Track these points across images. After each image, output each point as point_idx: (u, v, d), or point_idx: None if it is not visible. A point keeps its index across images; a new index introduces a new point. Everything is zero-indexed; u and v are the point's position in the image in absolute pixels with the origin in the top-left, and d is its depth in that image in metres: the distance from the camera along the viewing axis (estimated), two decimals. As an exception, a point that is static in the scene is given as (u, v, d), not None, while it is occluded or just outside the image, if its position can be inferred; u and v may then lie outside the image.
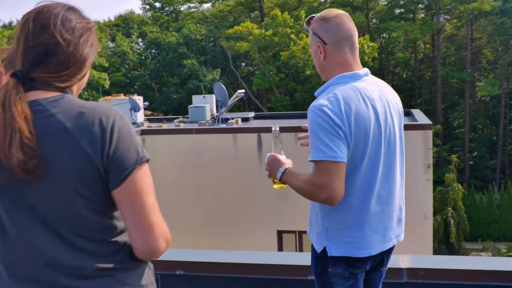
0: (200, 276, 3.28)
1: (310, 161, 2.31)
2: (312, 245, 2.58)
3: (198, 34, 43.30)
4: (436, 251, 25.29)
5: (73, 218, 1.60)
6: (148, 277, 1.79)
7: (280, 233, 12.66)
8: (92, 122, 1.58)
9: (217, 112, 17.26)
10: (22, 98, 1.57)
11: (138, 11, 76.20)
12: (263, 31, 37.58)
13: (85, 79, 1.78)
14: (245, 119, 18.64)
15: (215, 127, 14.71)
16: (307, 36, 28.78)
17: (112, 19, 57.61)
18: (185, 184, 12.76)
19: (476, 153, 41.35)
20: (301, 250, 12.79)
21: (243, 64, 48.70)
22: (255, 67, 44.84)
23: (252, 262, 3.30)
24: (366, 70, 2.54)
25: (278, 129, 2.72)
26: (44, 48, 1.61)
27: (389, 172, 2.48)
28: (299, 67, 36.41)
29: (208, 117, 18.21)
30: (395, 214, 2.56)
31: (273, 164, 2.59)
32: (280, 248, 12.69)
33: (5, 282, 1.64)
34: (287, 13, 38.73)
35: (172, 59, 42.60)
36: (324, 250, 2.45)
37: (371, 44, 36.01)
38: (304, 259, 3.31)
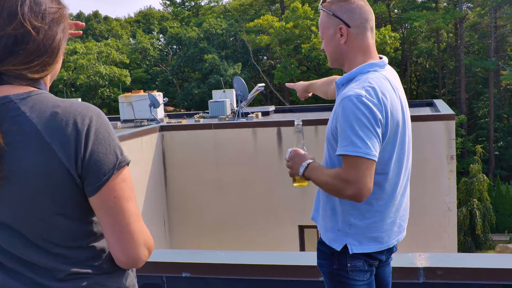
0: (207, 278, 3.17)
1: (339, 154, 2.21)
2: (320, 242, 2.50)
3: (219, 28, 43.22)
4: (462, 244, 24.98)
5: (43, 224, 1.49)
6: (130, 279, 1.69)
7: (301, 228, 12.52)
8: (66, 124, 1.45)
9: (237, 106, 17.17)
10: None
11: (158, 7, 76.16)
12: (284, 23, 37.40)
13: (58, 67, 1.64)
14: (265, 113, 18.53)
15: (234, 121, 14.61)
16: None
17: (133, 15, 57.90)
18: (204, 180, 12.70)
19: (501, 143, 40.69)
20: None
21: (264, 57, 48.51)
22: (276, 61, 44.66)
23: (260, 263, 3.17)
24: (386, 58, 2.45)
25: (301, 123, 2.58)
26: (14, 39, 1.48)
27: (408, 161, 2.45)
28: (321, 59, 36.22)
29: (228, 111, 18.15)
30: (407, 203, 2.53)
31: (295, 159, 2.46)
32: (302, 243, 12.57)
33: None
34: (307, 5, 38.50)
35: (193, 54, 42.59)
36: (344, 247, 2.37)
37: (393, 34, 35.65)
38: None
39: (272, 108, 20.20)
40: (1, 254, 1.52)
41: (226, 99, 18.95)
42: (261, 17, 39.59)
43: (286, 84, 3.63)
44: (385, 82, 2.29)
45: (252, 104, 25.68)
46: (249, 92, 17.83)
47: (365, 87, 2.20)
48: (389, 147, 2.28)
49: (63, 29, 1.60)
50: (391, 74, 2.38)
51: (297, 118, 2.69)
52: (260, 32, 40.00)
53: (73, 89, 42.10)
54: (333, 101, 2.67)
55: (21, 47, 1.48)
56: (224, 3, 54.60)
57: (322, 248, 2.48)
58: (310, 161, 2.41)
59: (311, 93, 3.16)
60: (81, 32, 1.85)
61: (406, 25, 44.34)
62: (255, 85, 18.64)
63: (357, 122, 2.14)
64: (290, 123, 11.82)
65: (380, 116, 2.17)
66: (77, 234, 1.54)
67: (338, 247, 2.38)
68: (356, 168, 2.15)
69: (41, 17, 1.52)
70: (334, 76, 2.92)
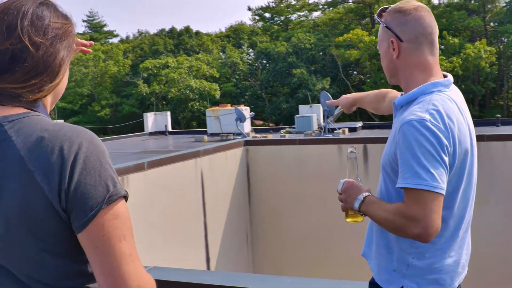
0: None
1: (401, 187, 1.93)
2: (373, 283, 2.24)
3: (308, 43, 43.25)
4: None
5: (30, 261, 1.32)
6: None
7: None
8: (52, 150, 1.27)
9: (323, 122, 17.04)
10: None
11: (248, 22, 77.20)
12: (374, 38, 36.96)
13: (62, 87, 1.49)
14: (352, 129, 18.30)
15: (320, 137, 14.49)
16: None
17: (223, 30, 58.95)
18: (287, 195, 12.65)
19: None
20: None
21: (354, 72, 48.09)
22: (366, 75, 44.14)
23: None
24: (451, 76, 2.18)
25: (355, 150, 2.36)
26: (11, 54, 1.34)
27: (474, 194, 2.16)
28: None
29: (315, 127, 18.06)
30: (470, 240, 2.23)
31: (349, 192, 2.20)
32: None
33: None
34: (398, 19, 37.85)
35: (281, 69, 42.79)
36: None
37: (488, 48, 34.48)
38: None
39: (359, 124, 19.92)
40: None
41: (313, 114, 18.87)
42: (351, 32, 39.34)
43: (327, 102, 3.36)
44: (452, 104, 2.02)
45: (341, 119, 25.44)
46: (336, 108, 17.67)
47: (429, 110, 1.94)
48: (455, 178, 2.00)
49: (67, 47, 1.45)
50: (456, 95, 2.11)
51: (351, 145, 2.42)
52: (349, 46, 39.75)
53: (164, 102, 43.24)
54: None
55: (18, 63, 1.35)
56: (313, 17, 54.67)
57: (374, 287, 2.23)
58: (367, 194, 2.15)
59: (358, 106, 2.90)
60: (90, 51, 1.75)
61: (503, 38, 42.76)
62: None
63: (421, 150, 1.88)
64: (378, 140, 11.58)
65: (446, 142, 1.91)
66: (68, 274, 1.36)
67: None
68: (422, 204, 1.87)
69: (42, 33, 1.39)
70: (384, 90, 2.70)
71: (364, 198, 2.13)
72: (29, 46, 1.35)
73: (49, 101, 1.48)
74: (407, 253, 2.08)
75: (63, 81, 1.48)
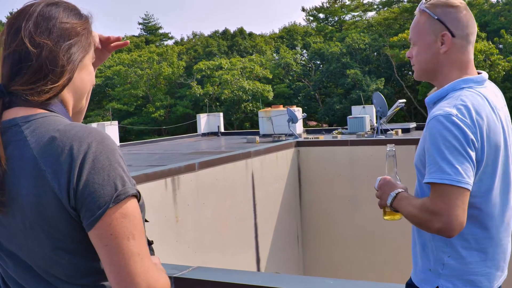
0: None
1: (426, 182, 1.93)
2: (409, 284, 2.21)
3: (362, 43, 42.84)
4: None
5: (46, 257, 1.37)
6: None
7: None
8: (61, 150, 1.31)
9: (376, 122, 16.87)
10: None
11: (302, 22, 77.07)
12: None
13: (82, 86, 1.52)
14: (405, 130, 18.05)
15: (372, 138, 14.34)
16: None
17: (277, 31, 59.02)
18: (338, 196, 12.57)
19: None
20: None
21: (409, 73, 47.37)
22: (421, 76, 43.41)
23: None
24: (486, 74, 2.15)
25: (394, 148, 2.33)
26: (18, 56, 1.38)
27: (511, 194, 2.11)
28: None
29: (368, 128, 17.89)
30: (510, 242, 2.16)
31: (384, 188, 2.21)
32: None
33: None
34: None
35: (335, 70, 42.52)
36: None
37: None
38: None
39: (413, 125, 19.64)
40: (13, 285, 1.46)
41: (365, 115, 18.70)
42: (406, 31, 38.73)
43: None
44: (482, 100, 2.00)
45: (394, 120, 25.13)
46: (389, 108, 17.47)
47: (456, 105, 1.94)
48: (487, 176, 1.98)
49: (77, 46, 1.46)
50: (490, 92, 2.09)
51: (390, 143, 2.44)
52: (404, 46, 39.17)
53: (218, 103, 43.59)
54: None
55: (25, 65, 1.38)
56: (368, 17, 54.14)
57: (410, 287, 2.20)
58: (400, 190, 2.15)
59: None
60: (127, 42, 1.76)
61: None
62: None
63: (446, 145, 1.88)
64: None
65: (473, 137, 1.90)
66: (82, 271, 1.40)
67: None
68: (445, 198, 1.87)
69: (47, 33, 1.40)
70: None
71: (397, 194, 2.14)
72: (30, 47, 1.37)
73: (70, 100, 1.50)
74: (442, 251, 2.05)
75: (83, 80, 1.51)
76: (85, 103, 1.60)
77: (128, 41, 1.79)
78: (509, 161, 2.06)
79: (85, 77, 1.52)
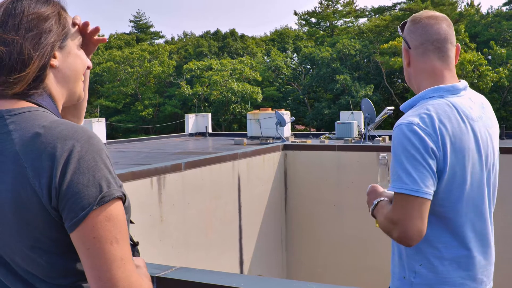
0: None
1: (389, 191, 1.98)
2: None
3: (352, 49, 42.98)
4: None
5: (24, 255, 1.32)
6: None
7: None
8: (44, 148, 1.25)
9: (364, 129, 16.92)
10: None
11: (294, 26, 77.22)
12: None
13: (70, 68, 1.46)
14: (393, 137, 18.11)
15: (359, 144, 14.38)
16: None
17: (268, 34, 59.07)
18: (324, 201, 12.59)
19: None
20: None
21: (398, 80, 47.61)
22: (410, 83, 43.62)
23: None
24: (464, 83, 2.13)
25: (386, 157, 2.33)
26: None
27: (491, 206, 2.11)
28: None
29: (355, 133, 17.94)
30: (492, 255, 2.15)
31: (370, 196, 2.21)
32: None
33: None
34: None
35: (325, 74, 42.62)
36: None
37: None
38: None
39: (400, 132, 19.70)
40: None
41: (353, 121, 18.76)
42: (396, 39, 38.96)
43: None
44: (449, 109, 1.98)
45: (382, 127, 25.20)
46: (378, 115, 17.52)
47: (420, 114, 1.94)
48: (456, 186, 1.96)
49: (46, 31, 1.39)
50: (464, 101, 2.06)
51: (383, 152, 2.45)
52: (394, 54, 39.35)
53: (206, 104, 43.53)
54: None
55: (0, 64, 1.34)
56: (359, 24, 54.33)
57: None
58: (382, 199, 2.14)
59: None
60: (106, 39, 1.68)
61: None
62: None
63: (405, 154, 1.88)
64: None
65: (433, 146, 1.89)
66: (60, 271, 1.35)
67: None
68: (402, 207, 1.88)
69: (15, 29, 1.36)
70: None
71: (378, 202, 2.14)
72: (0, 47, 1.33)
73: (60, 93, 1.46)
74: (414, 259, 2.05)
75: (71, 65, 1.46)
76: (82, 93, 1.54)
77: (106, 38, 1.71)
78: (484, 170, 2.04)
79: (73, 61, 1.47)
